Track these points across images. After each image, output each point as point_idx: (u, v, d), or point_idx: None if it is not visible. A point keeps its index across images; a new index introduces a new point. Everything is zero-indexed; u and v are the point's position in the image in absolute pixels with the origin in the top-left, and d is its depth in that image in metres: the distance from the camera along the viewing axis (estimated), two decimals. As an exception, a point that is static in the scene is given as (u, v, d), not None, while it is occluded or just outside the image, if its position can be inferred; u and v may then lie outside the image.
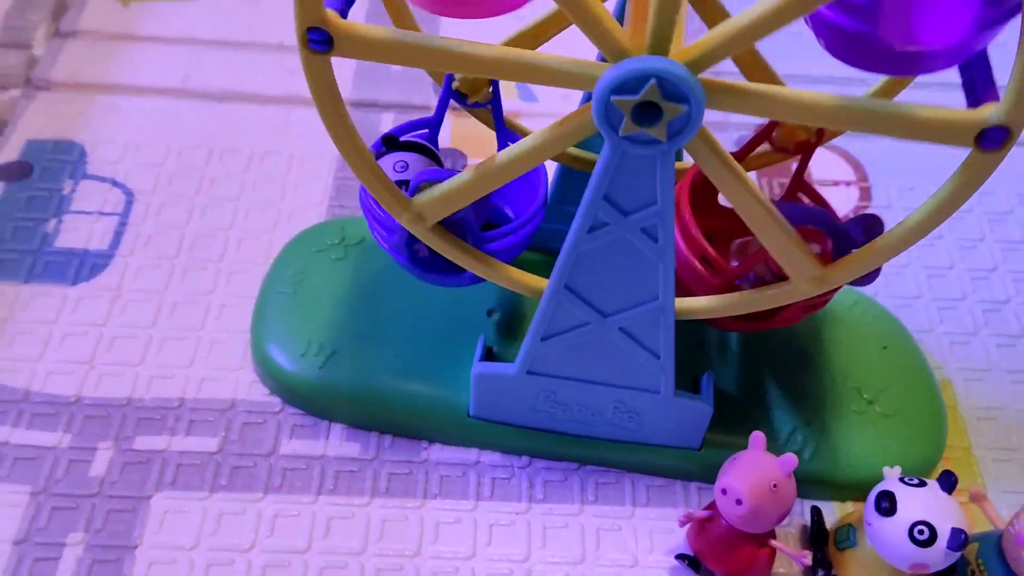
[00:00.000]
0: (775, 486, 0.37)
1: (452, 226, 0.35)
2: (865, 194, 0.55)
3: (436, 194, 0.34)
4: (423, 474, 0.43)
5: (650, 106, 0.28)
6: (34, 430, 0.42)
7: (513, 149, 0.32)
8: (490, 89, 0.38)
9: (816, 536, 0.41)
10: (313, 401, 0.44)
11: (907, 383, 0.45)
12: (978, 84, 0.30)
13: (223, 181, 0.53)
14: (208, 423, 0.43)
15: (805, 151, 0.40)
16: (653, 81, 0.28)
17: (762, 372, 0.44)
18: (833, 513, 0.42)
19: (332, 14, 0.28)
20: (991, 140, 0.29)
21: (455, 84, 0.37)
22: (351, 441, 0.44)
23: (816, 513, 0.42)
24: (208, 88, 0.57)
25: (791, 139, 0.39)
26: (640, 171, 0.31)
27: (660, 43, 0.28)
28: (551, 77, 0.30)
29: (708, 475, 0.42)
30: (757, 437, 0.38)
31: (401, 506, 0.42)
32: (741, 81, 0.31)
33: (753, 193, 0.32)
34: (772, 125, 0.40)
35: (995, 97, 0.29)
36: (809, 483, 0.42)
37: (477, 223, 0.36)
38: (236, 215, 0.52)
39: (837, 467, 0.42)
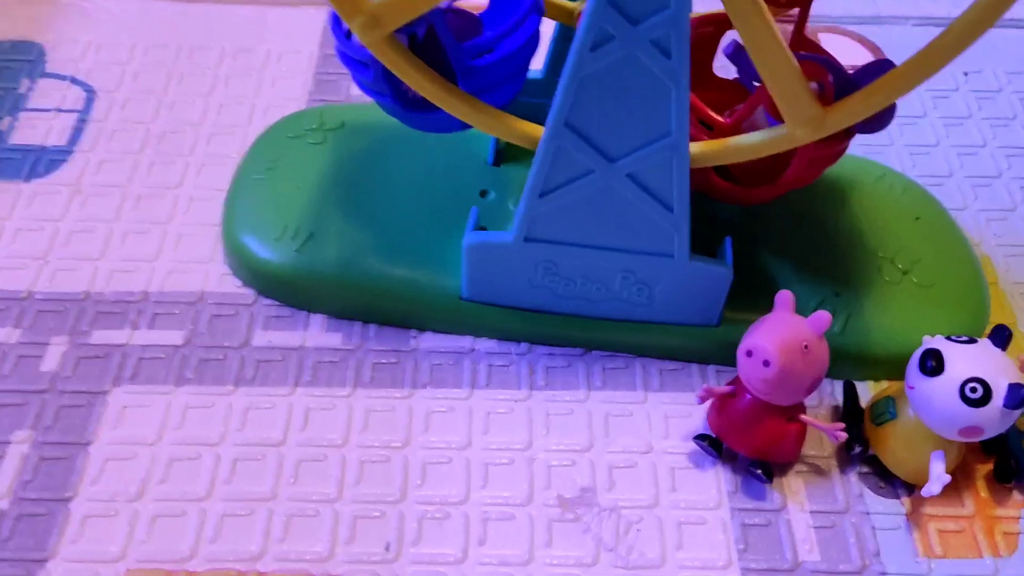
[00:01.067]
0: (806, 347, 0.33)
1: (423, 45, 0.31)
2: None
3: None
4: (412, 363, 0.39)
5: None
6: (-18, 325, 0.38)
7: None
8: None
9: (850, 412, 0.37)
10: (290, 289, 0.40)
11: (943, 253, 0.41)
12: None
13: (193, 78, 0.49)
14: (174, 316, 0.39)
15: (802, 3, 0.36)
16: None
17: (784, 244, 0.40)
18: (867, 392, 0.38)
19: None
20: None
21: None
22: (332, 331, 0.39)
23: (849, 387, 0.37)
24: (176, -12, 0.53)
25: None
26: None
27: None
28: None
29: (727, 356, 0.37)
30: (784, 296, 0.34)
31: (387, 396, 0.37)
32: None
33: (758, 4, 0.28)
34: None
35: None
36: (841, 359, 0.37)
37: (452, 38, 0.32)
38: (208, 111, 0.48)
39: (871, 340, 0.38)
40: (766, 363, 0.32)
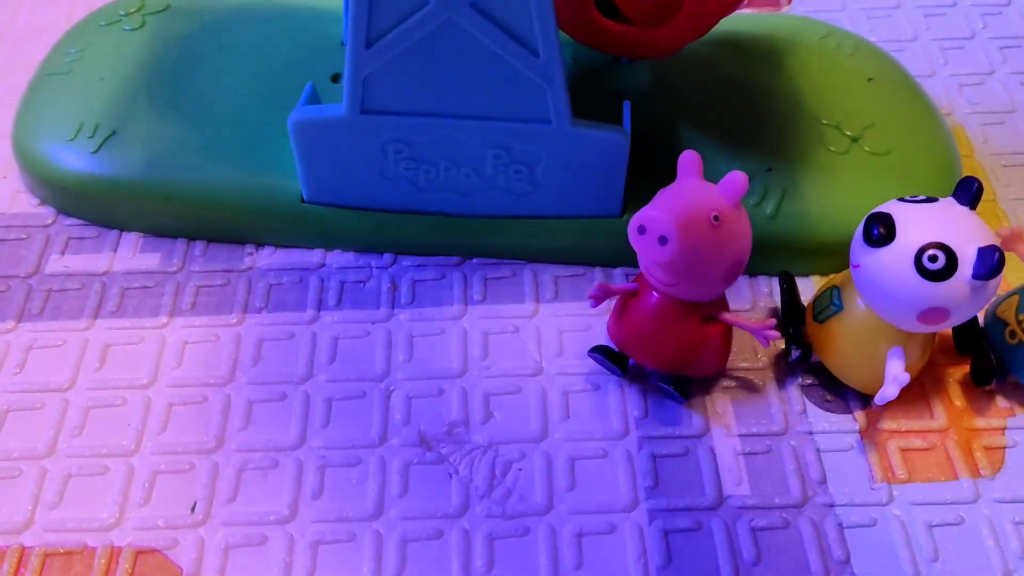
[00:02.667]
0: (716, 218, 0.25)
1: None
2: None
3: None
4: (244, 284, 0.31)
5: None
6: None
7: None
8: None
9: (788, 310, 0.29)
10: (90, 201, 0.32)
11: (902, 118, 0.33)
12: None
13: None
14: (-53, 243, 0.32)
15: None
16: None
17: (706, 115, 0.33)
18: (811, 288, 0.30)
19: None
20: None
21: None
22: (148, 252, 0.32)
23: (787, 279, 0.30)
24: None
25: None
26: None
27: None
28: None
29: (634, 256, 0.30)
30: (688, 158, 0.26)
31: (211, 325, 0.30)
32: None
33: None
34: None
35: None
36: (776, 246, 0.30)
37: None
38: (17, 10, 0.40)
39: (813, 223, 0.30)
40: (662, 239, 0.24)
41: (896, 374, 0.25)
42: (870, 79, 0.34)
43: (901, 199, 0.26)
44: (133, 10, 0.36)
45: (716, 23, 0.29)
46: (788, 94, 0.33)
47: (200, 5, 0.36)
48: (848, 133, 0.32)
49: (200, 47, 0.35)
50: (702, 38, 0.29)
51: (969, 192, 0.25)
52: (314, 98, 0.30)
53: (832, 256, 0.30)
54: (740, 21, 0.35)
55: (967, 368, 0.28)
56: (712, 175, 0.26)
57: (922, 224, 0.25)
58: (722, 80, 0.34)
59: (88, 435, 0.27)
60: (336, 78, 0.34)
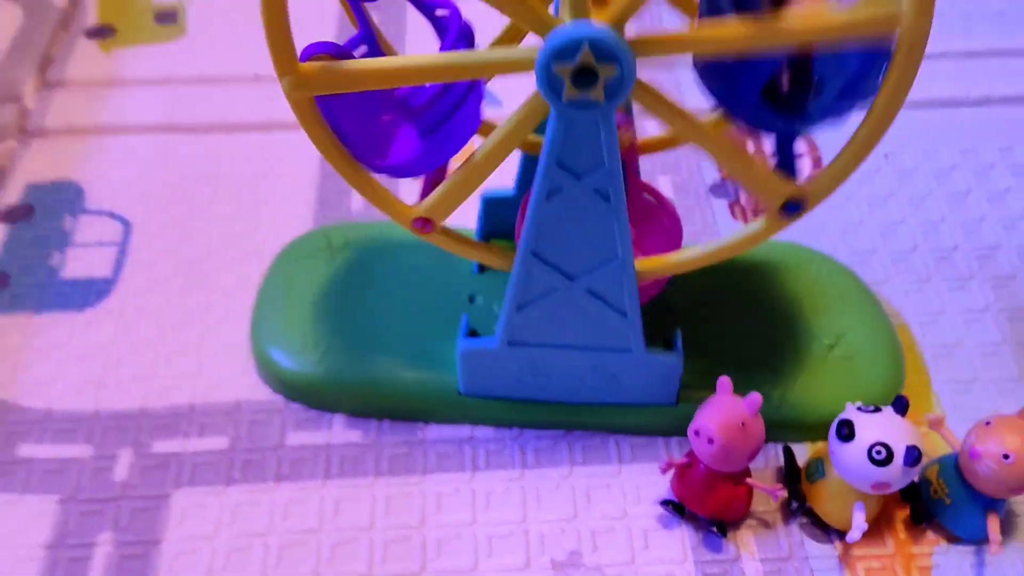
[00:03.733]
0: (743, 424, 0.40)
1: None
2: (818, 164, 0.59)
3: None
4: (421, 452, 0.46)
5: (587, 71, 0.32)
6: (58, 444, 0.45)
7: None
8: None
9: (789, 472, 0.44)
10: (313, 395, 0.47)
11: (864, 327, 0.48)
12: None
13: (214, 205, 0.56)
14: (217, 424, 0.46)
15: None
16: (586, 46, 0.31)
17: (730, 329, 0.48)
18: (805, 452, 0.45)
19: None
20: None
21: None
22: (352, 429, 0.47)
23: (788, 451, 0.45)
24: (192, 121, 0.61)
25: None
26: (586, 135, 0.34)
27: (579, 8, 0.31)
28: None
29: (685, 430, 0.44)
30: (723, 382, 0.41)
31: (403, 483, 0.45)
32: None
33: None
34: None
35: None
36: (780, 426, 0.45)
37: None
38: (229, 235, 0.55)
39: (805, 409, 0.45)
40: (710, 440, 0.40)
41: (858, 523, 0.40)
42: (839, 295, 0.49)
43: (859, 408, 0.41)
44: (323, 247, 0.51)
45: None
46: (786, 311, 0.48)
47: (369, 242, 0.51)
48: (826, 342, 0.47)
49: (375, 274, 0.50)
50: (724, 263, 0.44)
51: (901, 407, 0.40)
52: (467, 325, 0.45)
53: (817, 431, 0.45)
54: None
55: (908, 511, 0.43)
56: (736, 377, 0.41)
57: (871, 428, 0.39)
58: (739, 299, 0.49)
59: (336, 563, 0.42)
60: (472, 299, 0.49)
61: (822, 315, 0.48)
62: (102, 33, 0.66)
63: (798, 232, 0.53)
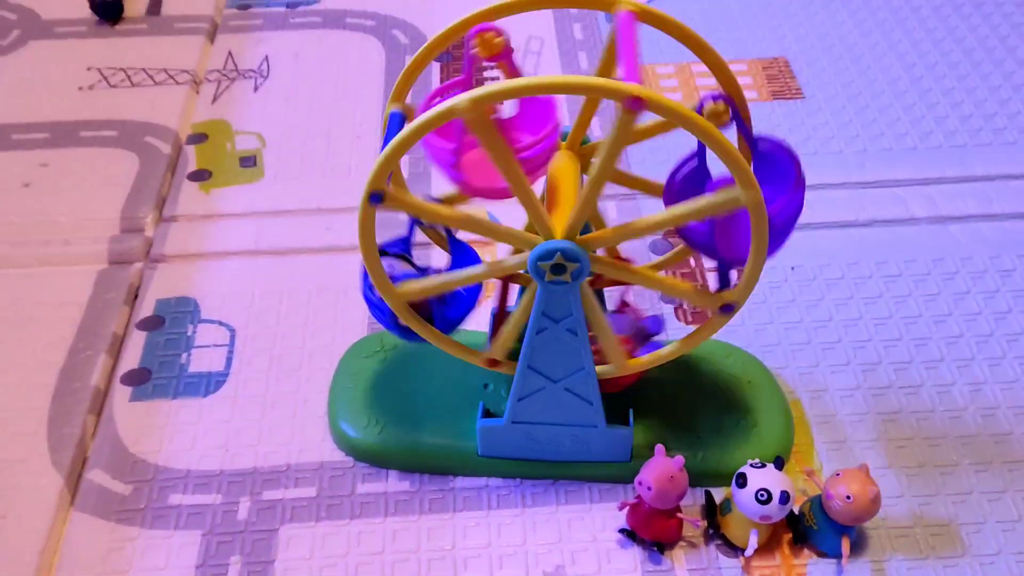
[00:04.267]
0: (672, 477, 0.59)
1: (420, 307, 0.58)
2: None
3: (410, 287, 0.56)
4: (451, 497, 0.65)
5: (559, 266, 0.52)
6: (197, 494, 0.65)
7: (474, 269, 0.55)
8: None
9: (709, 509, 0.63)
10: (374, 456, 0.66)
11: (765, 403, 0.67)
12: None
13: (293, 313, 0.76)
14: (307, 478, 0.66)
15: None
16: (559, 254, 0.51)
17: (668, 407, 0.67)
18: (721, 494, 0.64)
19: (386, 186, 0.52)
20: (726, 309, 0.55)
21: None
22: (402, 481, 0.66)
23: (708, 494, 0.64)
24: (274, 246, 0.81)
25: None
26: (561, 299, 0.54)
27: (570, 232, 0.51)
28: (504, 237, 0.53)
29: (638, 478, 0.64)
30: (659, 448, 0.61)
31: (439, 519, 0.64)
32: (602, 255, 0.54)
33: (648, 277, 0.55)
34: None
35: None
36: (703, 476, 0.64)
37: (439, 308, 0.59)
38: (305, 336, 0.75)
39: (721, 464, 0.64)
40: (649, 488, 0.59)
41: (752, 543, 0.59)
42: (749, 381, 0.69)
43: (751, 464, 0.60)
44: (378, 349, 0.71)
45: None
46: (711, 391, 0.68)
47: (411, 345, 0.71)
48: (737, 415, 0.66)
49: (417, 369, 0.69)
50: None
51: (779, 464, 0.59)
52: (483, 408, 0.65)
53: (729, 480, 0.64)
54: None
55: (791, 535, 0.62)
56: (673, 441, 0.60)
57: (758, 478, 0.59)
58: (678, 383, 0.68)
59: (395, 575, 0.61)
60: (486, 386, 0.68)
61: (736, 395, 0.68)
62: (201, 176, 0.87)
63: (722, 332, 0.73)
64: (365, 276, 0.58)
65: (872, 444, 0.67)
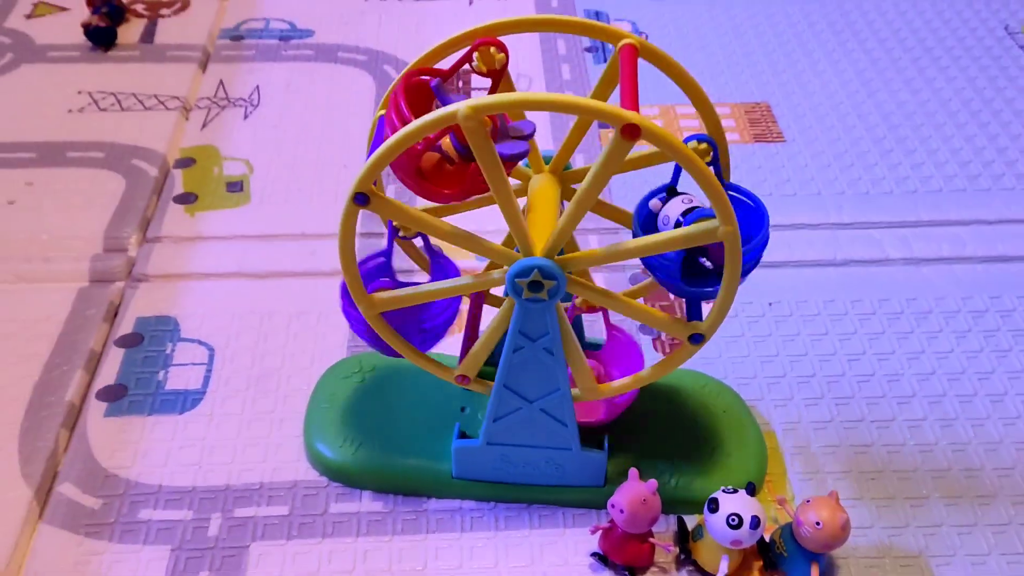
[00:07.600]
0: (645, 501, 0.59)
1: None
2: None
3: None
4: (425, 519, 0.65)
5: (537, 283, 0.52)
6: (168, 510, 0.64)
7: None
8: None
9: (681, 534, 0.63)
10: (348, 477, 0.66)
11: (739, 433, 0.68)
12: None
13: (273, 335, 0.76)
14: (280, 496, 0.66)
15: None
16: (536, 271, 0.52)
17: (644, 434, 0.67)
18: (694, 520, 0.64)
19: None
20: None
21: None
22: (376, 501, 0.66)
23: (680, 520, 0.64)
24: (257, 269, 0.81)
25: None
26: (538, 317, 0.55)
27: (550, 251, 0.52)
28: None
29: (612, 504, 0.64)
30: (633, 472, 0.61)
31: (412, 540, 0.63)
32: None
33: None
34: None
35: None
36: (676, 503, 0.64)
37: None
38: (284, 358, 0.75)
39: (693, 490, 0.64)
40: (622, 511, 0.59)
41: (723, 570, 0.59)
42: (724, 411, 0.69)
43: (724, 490, 0.60)
44: (356, 371, 0.71)
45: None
46: (686, 420, 0.68)
47: (390, 367, 0.71)
48: (711, 443, 0.67)
49: (394, 391, 0.69)
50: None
51: (751, 490, 0.59)
52: (459, 430, 0.65)
53: (701, 506, 0.64)
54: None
55: (762, 562, 0.62)
56: (648, 467, 0.60)
57: (730, 504, 0.59)
58: (654, 412, 0.68)
59: (365, 595, 0.61)
60: (463, 409, 0.68)
61: (711, 424, 0.68)
62: (187, 199, 0.87)
63: (700, 363, 0.74)
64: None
65: (844, 475, 0.67)
